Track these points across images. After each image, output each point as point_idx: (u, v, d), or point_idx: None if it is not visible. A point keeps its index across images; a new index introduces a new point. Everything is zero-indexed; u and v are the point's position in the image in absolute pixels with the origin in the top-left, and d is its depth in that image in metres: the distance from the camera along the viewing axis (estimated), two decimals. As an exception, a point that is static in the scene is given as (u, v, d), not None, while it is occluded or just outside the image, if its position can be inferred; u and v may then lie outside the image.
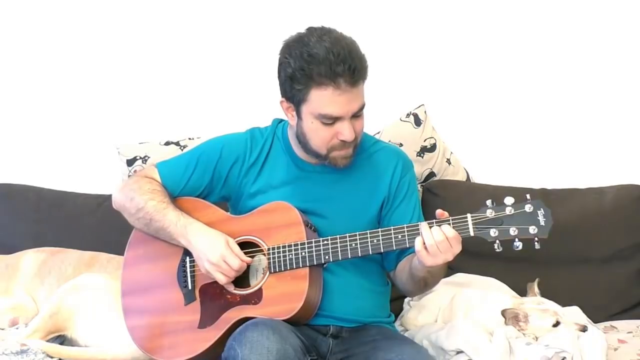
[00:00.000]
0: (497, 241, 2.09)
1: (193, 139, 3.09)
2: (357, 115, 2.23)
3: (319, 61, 2.14)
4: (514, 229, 2.08)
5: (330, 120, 2.21)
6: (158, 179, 2.39)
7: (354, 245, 2.18)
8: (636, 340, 2.59)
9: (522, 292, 2.71)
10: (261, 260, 2.26)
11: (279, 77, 2.28)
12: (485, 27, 3.33)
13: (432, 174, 3.09)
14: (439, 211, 2.14)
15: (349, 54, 2.16)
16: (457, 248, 2.10)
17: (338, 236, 2.20)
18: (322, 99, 2.18)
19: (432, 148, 3.08)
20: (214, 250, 2.20)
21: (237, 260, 2.20)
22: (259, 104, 3.23)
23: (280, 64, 2.26)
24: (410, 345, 2.29)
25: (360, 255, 2.19)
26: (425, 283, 2.29)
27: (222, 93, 3.37)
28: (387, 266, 2.38)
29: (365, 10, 3.34)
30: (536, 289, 2.65)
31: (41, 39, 3.41)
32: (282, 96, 2.29)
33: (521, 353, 2.32)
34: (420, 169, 3.05)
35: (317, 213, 2.31)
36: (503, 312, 2.48)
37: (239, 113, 3.25)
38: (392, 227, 2.17)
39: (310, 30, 2.23)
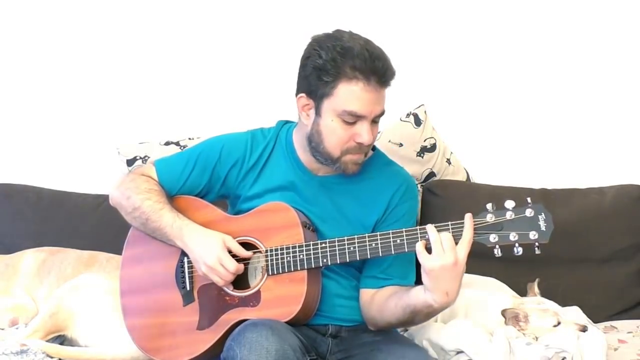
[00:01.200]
0: (497, 246, 2.05)
1: (193, 139, 3.09)
2: (376, 120, 2.22)
3: (354, 55, 2.13)
4: (514, 234, 2.04)
5: (352, 119, 2.17)
6: (155, 177, 2.38)
7: (352, 248, 2.16)
8: (636, 340, 2.59)
9: (522, 292, 2.70)
10: (260, 259, 2.25)
11: (304, 70, 2.21)
12: (485, 28, 3.33)
13: (432, 174, 3.08)
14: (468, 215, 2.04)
15: (382, 54, 2.17)
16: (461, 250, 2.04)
17: (336, 239, 2.18)
18: (350, 94, 2.15)
19: (432, 148, 3.08)
20: (210, 253, 2.19)
21: (233, 263, 2.19)
22: (260, 104, 3.24)
23: (307, 57, 2.20)
24: (411, 347, 2.27)
25: (358, 259, 2.16)
26: (411, 317, 2.14)
27: (222, 93, 3.37)
28: (365, 283, 2.30)
29: (365, 10, 3.33)
30: (536, 289, 2.65)
31: (41, 39, 3.41)
32: (303, 91, 2.23)
33: (521, 353, 2.32)
34: (420, 169, 3.05)
35: (315, 222, 2.29)
36: (503, 312, 2.47)
37: (239, 113, 3.25)
38: (390, 231, 2.13)
39: (340, 30, 2.21)
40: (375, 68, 2.13)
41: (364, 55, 2.12)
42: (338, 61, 2.14)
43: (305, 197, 2.30)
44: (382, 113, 2.22)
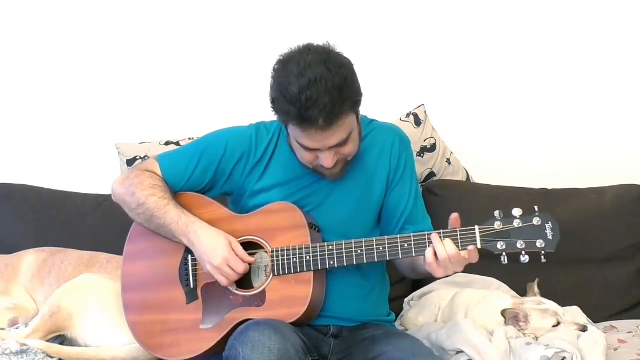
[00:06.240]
0: (504, 254, 2.06)
1: (193, 139, 3.07)
2: (341, 144, 2.14)
3: (290, 100, 2.05)
4: (522, 242, 2.05)
5: (309, 150, 2.17)
6: (159, 172, 2.36)
7: (359, 252, 2.16)
8: (636, 340, 2.59)
9: (522, 292, 2.71)
10: (263, 259, 2.25)
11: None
12: (484, 27, 3.33)
13: (432, 174, 3.09)
14: (454, 215, 2.10)
15: (323, 96, 2.03)
16: (469, 261, 2.09)
17: (343, 242, 2.18)
18: (295, 132, 2.14)
19: (432, 148, 3.08)
20: (217, 253, 2.19)
21: (240, 264, 2.19)
22: (260, 103, 3.23)
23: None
24: (407, 338, 2.30)
25: (365, 262, 2.16)
26: (425, 277, 2.29)
27: (223, 93, 3.37)
28: None
29: (365, 10, 3.34)
30: (536, 289, 2.66)
31: (41, 38, 3.41)
32: None
33: (521, 353, 2.32)
34: (420, 169, 3.05)
35: (322, 211, 2.29)
36: (503, 312, 2.48)
37: (239, 113, 3.23)
38: (398, 236, 2.15)
39: (300, 55, 2.10)
40: (309, 117, 2.04)
41: (299, 103, 2.03)
42: (277, 103, 2.11)
43: (313, 187, 2.29)
44: (343, 140, 2.13)
